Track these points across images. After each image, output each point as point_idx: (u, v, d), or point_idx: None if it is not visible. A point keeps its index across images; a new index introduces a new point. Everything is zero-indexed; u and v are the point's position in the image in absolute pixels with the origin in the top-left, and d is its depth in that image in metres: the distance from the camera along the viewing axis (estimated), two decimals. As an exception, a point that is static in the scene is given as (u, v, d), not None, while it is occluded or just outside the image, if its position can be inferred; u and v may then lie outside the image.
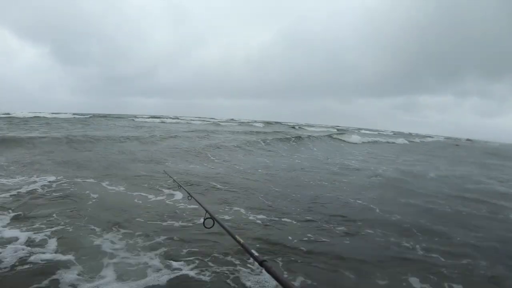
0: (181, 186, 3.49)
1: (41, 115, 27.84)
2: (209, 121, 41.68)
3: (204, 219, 1.88)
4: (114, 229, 3.82)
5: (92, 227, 3.83)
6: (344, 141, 22.05)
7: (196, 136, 16.52)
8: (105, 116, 36.34)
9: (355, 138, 23.69)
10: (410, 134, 65.93)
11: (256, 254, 1.30)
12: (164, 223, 4.14)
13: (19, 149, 9.06)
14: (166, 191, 5.70)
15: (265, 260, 1.25)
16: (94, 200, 4.92)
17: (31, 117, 24.44)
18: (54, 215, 4.11)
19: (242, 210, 4.85)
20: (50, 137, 11.26)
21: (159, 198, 5.30)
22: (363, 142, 23.78)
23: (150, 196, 5.33)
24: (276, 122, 58.08)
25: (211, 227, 1.84)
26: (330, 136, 22.55)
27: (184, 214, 4.52)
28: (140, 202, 5.01)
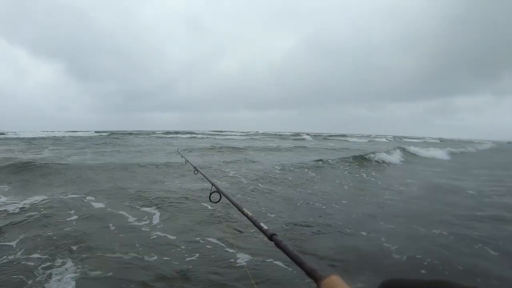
0: (188, 161, 3.43)
1: (56, 134, 27.79)
2: (246, 135, 39.42)
3: (211, 193, 1.80)
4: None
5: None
6: (419, 156, 17.09)
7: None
8: (127, 133, 35.18)
9: (434, 152, 18.68)
10: (459, 140, 56.89)
11: (265, 227, 1.21)
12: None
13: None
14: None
15: (274, 234, 1.15)
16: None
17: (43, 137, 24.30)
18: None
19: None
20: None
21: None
22: (447, 155, 18.47)
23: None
24: (316, 134, 52.38)
25: (218, 201, 1.76)
26: (403, 149, 17.27)
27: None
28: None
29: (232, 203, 1.57)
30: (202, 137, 31.77)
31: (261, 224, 1.25)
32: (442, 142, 43.85)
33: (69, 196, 5.46)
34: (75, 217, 4.29)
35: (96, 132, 35.16)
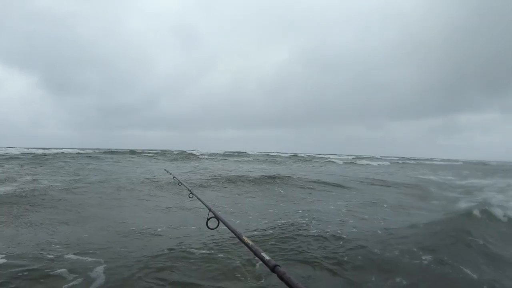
0: (181, 183, 3.38)
1: (31, 151, 26.40)
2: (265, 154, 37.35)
3: (208, 219, 1.77)
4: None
5: None
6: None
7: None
8: (101, 151, 32.64)
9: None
10: (480, 162, 52.41)
11: (267, 257, 1.18)
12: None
13: None
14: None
15: (278, 265, 1.13)
16: None
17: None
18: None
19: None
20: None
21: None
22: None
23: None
24: (307, 156, 45.97)
25: (215, 228, 1.72)
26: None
27: None
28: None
29: (231, 230, 1.55)
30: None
31: (263, 254, 1.23)
32: (446, 162, 39.16)
33: None
34: None
35: (72, 149, 34.13)
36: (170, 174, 4.87)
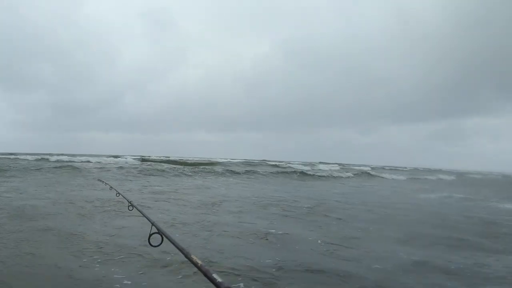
0: (119, 194, 3.04)
1: None
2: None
3: (150, 235, 1.56)
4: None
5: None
6: None
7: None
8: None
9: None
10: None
11: (219, 279, 1.05)
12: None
13: None
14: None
15: (229, 287, 1.01)
16: None
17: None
18: None
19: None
20: None
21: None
22: None
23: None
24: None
25: (159, 245, 1.52)
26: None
27: None
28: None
29: (177, 247, 1.37)
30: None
31: (214, 275, 1.09)
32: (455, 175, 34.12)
33: None
34: None
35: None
36: (107, 184, 4.39)
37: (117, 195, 3.10)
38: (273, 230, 5.23)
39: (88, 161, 23.51)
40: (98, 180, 4.97)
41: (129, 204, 2.29)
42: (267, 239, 4.72)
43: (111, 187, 3.80)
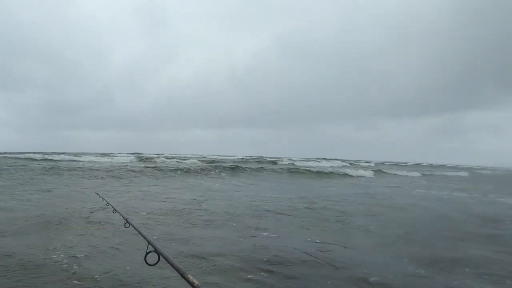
0: (116, 211, 3.01)
1: None
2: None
3: (146, 253, 1.55)
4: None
5: None
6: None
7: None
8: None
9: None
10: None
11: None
12: None
13: None
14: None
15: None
16: None
17: None
18: None
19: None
20: None
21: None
22: None
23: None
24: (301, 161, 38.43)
25: (155, 264, 1.52)
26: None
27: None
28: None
29: (174, 267, 1.37)
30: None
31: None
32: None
33: None
34: None
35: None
36: (104, 199, 4.30)
37: (114, 211, 3.07)
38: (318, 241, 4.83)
39: (74, 161, 23.50)
40: (96, 193, 4.54)
41: (126, 222, 2.27)
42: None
43: (108, 203, 3.73)
